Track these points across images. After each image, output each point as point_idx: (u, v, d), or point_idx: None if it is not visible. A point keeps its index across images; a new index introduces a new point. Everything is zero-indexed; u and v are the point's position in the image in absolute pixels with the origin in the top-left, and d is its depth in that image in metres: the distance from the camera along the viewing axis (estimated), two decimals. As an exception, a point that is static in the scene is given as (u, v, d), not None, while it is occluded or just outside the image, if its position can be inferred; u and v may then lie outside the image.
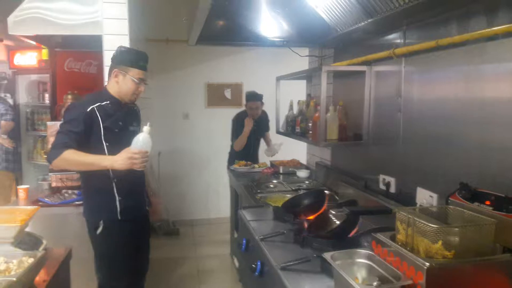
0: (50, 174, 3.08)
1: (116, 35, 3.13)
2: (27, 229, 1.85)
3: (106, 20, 3.12)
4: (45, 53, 4.58)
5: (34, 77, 4.68)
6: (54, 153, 2.13)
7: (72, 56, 4.36)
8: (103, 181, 2.27)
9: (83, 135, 2.18)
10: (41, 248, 1.71)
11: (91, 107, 2.21)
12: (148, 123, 2.20)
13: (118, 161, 2.14)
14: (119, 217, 2.31)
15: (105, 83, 2.48)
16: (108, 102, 2.28)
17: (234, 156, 4.42)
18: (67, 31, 3.17)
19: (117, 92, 2.32)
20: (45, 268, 1.68)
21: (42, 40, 4.14)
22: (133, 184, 2.37)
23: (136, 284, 2.54)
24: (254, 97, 4.16)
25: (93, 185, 2.32)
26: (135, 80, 2.28)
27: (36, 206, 1.95)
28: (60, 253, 1.89)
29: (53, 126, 3.08)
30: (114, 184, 2.29)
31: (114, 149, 2.20)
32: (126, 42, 3.13)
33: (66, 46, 4.35)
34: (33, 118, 4.67)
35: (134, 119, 2.47)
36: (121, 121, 2.33)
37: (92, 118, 2.21)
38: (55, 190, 3.07)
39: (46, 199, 2.84)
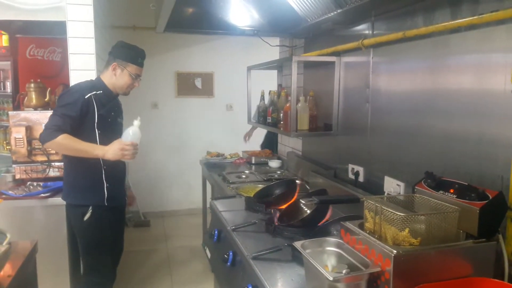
0: (13, 165, 2.97)
1: (80, 21, 3.02)
2: (-10, 224, 1.79)
3: (69, 5, 3.00)
4: (5, 39, 4.36)
5: (-7, 64, 4.47)
6: (48, 135, 2.21)
7: (34, 42, 4.17)
8: (93, 168, 2.35)
9: (77, 120, 2.26)
10: (5, 242, 1.65)
11: (89, 94, 2.31)
12: (138, 118, 2.32)
13: (110, 151, 2.25)
14: (106, 204, 2.41)
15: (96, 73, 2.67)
16: (101, 92, 2.38)
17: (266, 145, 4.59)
18: (29, 16, 3.04)
19: (112, 84, 2.44)
20: (10, 262, 1.63)
21: (2, 26, 3.95)
22: (119, 172, 2.49)
23: (116, 264, 2.70)
24: None
25: (82, 171, 2.38)
26: (132, 75, 2.43)
27: (-2, 200, 1.88)
28: (26, 246, 1.84)
29: (16, 116, 2.96)
30: (103, 171, 2.38)
31: (104, 137, 2.34)
32: (91, 29, 3.03)
33: (28, 32, 4.16)
34: (-7, 108, 4.47)
35: (120, 111, 2.59)
36: (113, 111, 2.46)
37: (89, 105, 2.30)
38: (19, 182, 2.96)
39: (10, 192, 2.74)
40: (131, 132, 2.29)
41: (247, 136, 4.73)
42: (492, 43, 1.48)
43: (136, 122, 2.31)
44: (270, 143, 4.57)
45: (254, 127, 4.73)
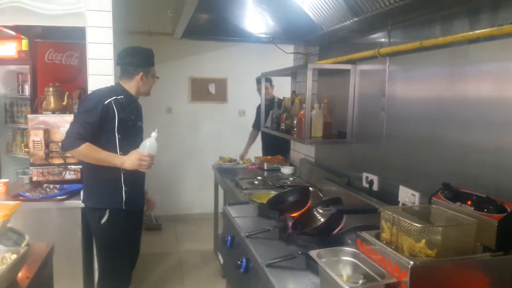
0: (31, 168, 3.02)
1: (99, 27, 3.07)
2: (9, 225, 1.82)
3: (89, 11, 3.05)
4: (25, 43, 4.46)
5: (13, 67, 4.55)
6: (70, 143, 2.28)
7: (53, 47, 4.26)
8: (112, 171, 2.39)
9: (97, 126, 2.32)
10: (23, 244, 1.68)
11: (109, 100, 2.36)
12: (156, 130, 2.40)
13: (127, 161, 2.34)
14: (124, 207, 2.45)
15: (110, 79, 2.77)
16: (122, 96, 2.43)
17: (263, 147, 4.58)
18: (49, 22, 3.10)
19: (136, 90, 2.51)
20: (28, 264, 1.66)
21: (22, 30, 4.04)
22: (138, 176, 2.51)
23: (132, 268, 2.73)
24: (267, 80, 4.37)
25: (101, 175, 2.41)
26: (156, 77, 2.59)
27: (18, 201, 1.91)
28: (43, 248, 1.87)
29: (34, 119, 3.02)
30: (122, 175, 2.42)
31: (124, 141, 2.41)
32: (109, 35, 3.08)
33: (47, 37, 4.25)
34: (12, 110, 4.55)
35: (140, 115, 2.64)
36: (133, 115, 2.51)
37: (109, 111, 2.35)
38: (36, 184, 3.01)
39: (27, 194, 2.79)
40: (148, 143, 2.37)
41: (242, 156, 4.63)
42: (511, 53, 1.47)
43: (154, 134, 2.40)
44: (266, 146, 4.56)
45: (250, 143, 4.72)
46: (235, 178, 3.32)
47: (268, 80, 4.42)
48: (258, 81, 4.46)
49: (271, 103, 4.37)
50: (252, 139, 4.74)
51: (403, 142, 2.10)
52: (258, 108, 4.64)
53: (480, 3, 1.61)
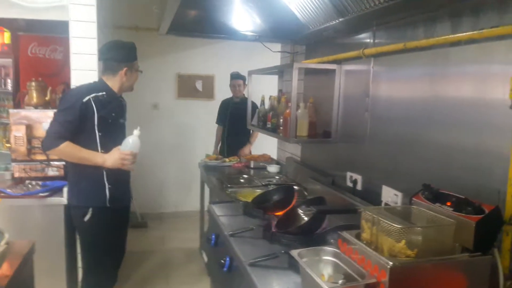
0: (12, 163, 2.97)
1: (83, 21, 3.03)
2: (-12, 223, 1.79)
3: (73, 5, 3.01)
4: (7, 36, 4.37)
5: (-5, 61, 4.47)
6: (50, 143, 2.27)
7: (36, 40, 4.17)
8: (94, 169, 2.36)
9: (77, 124, 2.29)
10: (3, 242, 1.65)
11: (88, 97, 2.31)
12: (138, 128, 2.36)
13: (109, 159, 2.32)
14: (108, 205, 2.42)
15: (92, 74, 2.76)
16: (104, 93, 2.39)
17: (221, 144, 4.70)
18: (31, 15, 3.05)
19: (119, 86, 2.47)
20: (8, 262, 1.63)
21: (4, 23, 3.95)
22: (122, 174, 2.47)
23: (118, 266, 2.71)
24: (237, 76, 4.53)
25: (83, 172, 2.38)
26: (139, 70, 2.55)
27: (-3, 199, 1.89)
28: (23, 246, 1.83)
29: (16, 114, 2.97)
30: (104, 172, 2.39)
31: (105, 139, 2.37)
32: (93, 29, 3.04)
33: (30, 30, 4.17)
34: (-7, 105, 4.47)
35: (123, 112, 2.60)
36: (114, 112, 2.46)
37: (88, 108, 2.31)
38: (17, 181, 2.96)
39: (8, 190, 2.74)
40: (131, 141, 2.34)
41: (214, 153, 4.69)
42: (492, 57, 1.50)
43: (136, 132, 2.35)
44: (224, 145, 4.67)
45: (219, 137, 4.80)
46: (220, 176, 3.32)
47: (242, 78, 4.52)
48: (233, 76, 4.54)
49: (241, 101, 4.48)
50: (219, 136, 4.79)
51: (386, 142, 2.13)
52: (222, 103, 4.75)
53: (462, 7, 1.63)
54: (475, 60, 1.58)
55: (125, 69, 2.44)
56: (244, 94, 4.60)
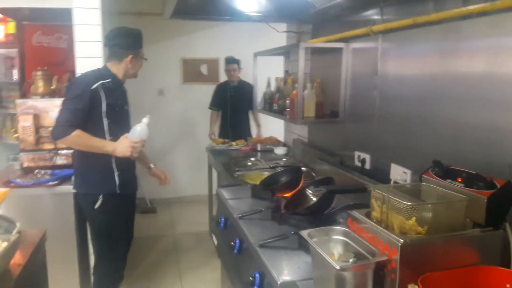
0: (21, 154, 2.99)
1: (86, 8, 3.00)
2: (-1, 212, 1.81)
3: (75, -8, 2.98)
4: (12, 26, 4.36)
5: (0, 51, 4.46)
6: (61, 132, 2.26)
7: (41, 29, 4.16)
8: (103, 156, 2.36)
9: (86, 112, 2.29)
10: (14, 231, 1.66)
11: (95, 84, 2.31)
12: (148, 116, 2.35)
13: (118, 148, 2.31)
14: (118, 191, 2.43)
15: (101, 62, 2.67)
16: (109, 80, 2.38)
17: (221, 128, 4.73)
18: (35, 3, 3.03)
19: (123, 73, 2.46)
20: (20, 251, 1.64)
21: (8, 13, 3.94)
22: (129, 160, 2.45)
23: (127, 251, 2.72)
24: (231, 60, 4.58)
25: (92, 160, 2.38)
26: (144, 58, 2.54)
27: (7, 188, 1.91)
28: (35, 235, 1.85)
29: (23, 104, 2.98)
30: (113, 159, 2.39)
31: (113, 126, 2.38)
32: (97, 16, 3.00)
33: (34, 19, 4.15)
34: (0, 95, 4.48)
35: (126, 99, 2.59)
36: (120, 100, 2.47)
37: (96, 96, 2.31)
38: (27, 171, 2.98)
39: (18, 180, 2.77)
40: (139, 129, 2.33)
41: (212, 134, 4.75)
42: (505, 29, 1.45)
43: (145, 120, 2.35)
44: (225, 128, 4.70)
45: (214, 121, 4.80)
46: (228, 160, 3.32)
47: (237, 62, 4.56)
48: (227, 61, 4.52)
49: (240, 85, 4.58)
50: (214, 120, 4.81)
51: (395, 120, 2.09)
52: (218, 87, 4.77)
53: (472, -22, 1.58)
54: (487, 33, 1.53)
55: (130, 56, 2.42)
56: (239, 78, 4.63)
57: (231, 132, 4.60)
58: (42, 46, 4.18)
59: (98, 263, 2.57)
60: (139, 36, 2.48)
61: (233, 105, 4.63)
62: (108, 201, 2.42)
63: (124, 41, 2.42)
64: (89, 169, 2.44)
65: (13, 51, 4.34)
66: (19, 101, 3.02)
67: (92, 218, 2.52)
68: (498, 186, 1.24)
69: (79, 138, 2.28)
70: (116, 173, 2.43)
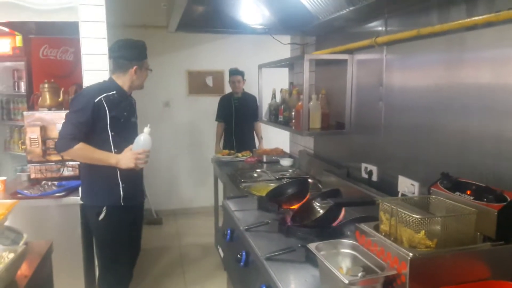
0: (28, 165, 3.01)
1: (93, 22, 3.04)
2: (6, 223, 1.81)
3: (82, 6, 3.01)
4: (19, 40, 4.42)
5: (8, 64, 4.52)
6: (64, 144, 2.28)
7: (47, 42, 4.22)
8: (108, 168, 2.36)
9: (89, 125, 2.30)
10: (21, 243, 1.67)
11: (99, 97, 2.32)
12: (148, 125, 2.34)
13: (122, 160, 2.32)
14: (122, 203, 2.43)
15: (107, 74, 2.68)
16: (114, 92, 2.39)
17: (226, 140, 4.72)
18: (41, 17, 3.06)
19: (129, 85, 2.47)
20: (26, 262, 1.65)
21: (15, 27, 4.00)
22: (135, 172, 2.46)
23: (133, 263, 2.72)
24: (235, 72, 4.59)
25: (97, 172, 2.39)
26: (149, 69, 2.54)
27: (15, 200, 1.91)
28: (42, 246, 1.86)
29: (30, 116, 3.00)
30: (118, 171, 2.40)
31: (118, 138, 2.38)
32: (103, 29, 3.04)
33: (41, 33, 4.21)
34: (8, 107, 4.52)
35: (134, 111, 2.60)
36: (126, 111, 2.47)
37: (100, 108, 2.32)
38: (34, 182, 3.00)
39: (25, 191, 2.78)
40: (142, 138, 2.34)
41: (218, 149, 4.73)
42: (510, 40, 1.45)
43: (146, 129, 2.35)
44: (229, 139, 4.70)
45: (219, 134, 4.78)
46: (234, 172, 3.31)
47: (241, 74, 4.57)
48: (232, 72, 4.54)
49: (244, 96, 4.62)
50: (220, 134, 4.79)
51: (401, 131, 2.09)
52: (222, 99, 4.78)
53: (477, -11, 1.59)
54: (492, 44, 1.53)
55: (135, 67, 2.44)
56: (243, 89, 4.65)
57: (236, 143, 4.61)
58: (49, 59, 4.24)
59: (102, 275, 2.56)
60: (143, 47, 2.50)
61: (237, 116, 4.65)
62: (112, 213, 2.42)
63: (128, 52, 2.44)
64: (95, 181, 2.44)
65: (21, 64, 4.41)
66: (26, 113, 3.04)
67: (96, 230, 2.52)
68: (509, 199, 1.23)
69: (82, 151, 2.29)
70: (121, 186, 2.43)
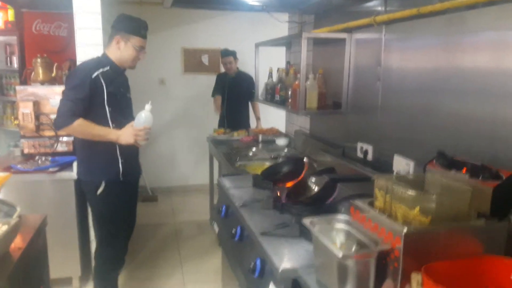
0: (22, 140, 2.98)
1: (87, -5, 2.97)
2: None
3: (76, -21, 2.95)
4: (11, 14, 4.32)
5: (0, 39, 4.43)
6: (63, 121, 2.25)
7: (40, 17, 4.14)
8: (107, 143, 2.35)
9: (87, 101, 2.27)
10: (15, 216, 1.67)
11: (95, 73, 2.29)
12: (149, 102, 2.32)
13: (122, 136, 2.31)
14: (121, 178, 2.44)
15: (104, 49, 2.52)
16: (108, 67, 2.36)
17: (221, 118, 4.70)
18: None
19: (118, 58, 2.41)
20: (20, 235, 1.65)
21: (7, 0, 3.91)
22: (132, 148, 2.45)
23: (128, 237, 2.73)
24: (226, 53, 4.53)
25: (95, 147, 2.38)
26: (136, 47, 2.39)
27: (7, 173, 1.89)
28: (35, 220, 1.86)
29: (23, 91, 2.97)
30: (117, 146, 2.39)
31: (115, 114, 2.36)
32: (97, 4, 2.98)
33: (34, 7, 4.13)
34: (1, 83, 4.46)
35: (128, 87, 2.57)
36: (122, 87, 2.45)
37: (97, 84, 2.29)
38: (28, 157, 2.98)
39: (19, 166, 2.76)
40: (144, 116, 2.32)
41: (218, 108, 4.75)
42: (509, 19, 1.44)
43: (148, 107, 2.33)
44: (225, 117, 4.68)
45: (218, 105, 4.72)
46: (229, 150, 3.31)
47: (232, 54, 4.52)
48: (222, 54, 4.52)
49: (238, 76, 4.59)
50: (219, 106, 4.74)
51: (398, 111, 2.08)
52: (219, 76, 4.79)
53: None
54: (493, 24, 1.52)
55: (117, 37, 2.36)
56: (237, 69, 4.61)
57: (226, 121, 4.59)
58: (42, 34, 4.16)
59: (99, 249, 2.57)
60: (136, 23, 2.40)
61: (230, 94, 4.61)
62: (110, 188, 2.41)
63: (118, 23, 2.39)
64: (93, 156, 2.43)
65: (13, 39, 4.33)
66: (19, 88, 3.00)
67: (94, 205, 2.52)
68: (504, 177, 1.24)
69: (82, 127, 2.27)
70: (120, 161, 2.42)
